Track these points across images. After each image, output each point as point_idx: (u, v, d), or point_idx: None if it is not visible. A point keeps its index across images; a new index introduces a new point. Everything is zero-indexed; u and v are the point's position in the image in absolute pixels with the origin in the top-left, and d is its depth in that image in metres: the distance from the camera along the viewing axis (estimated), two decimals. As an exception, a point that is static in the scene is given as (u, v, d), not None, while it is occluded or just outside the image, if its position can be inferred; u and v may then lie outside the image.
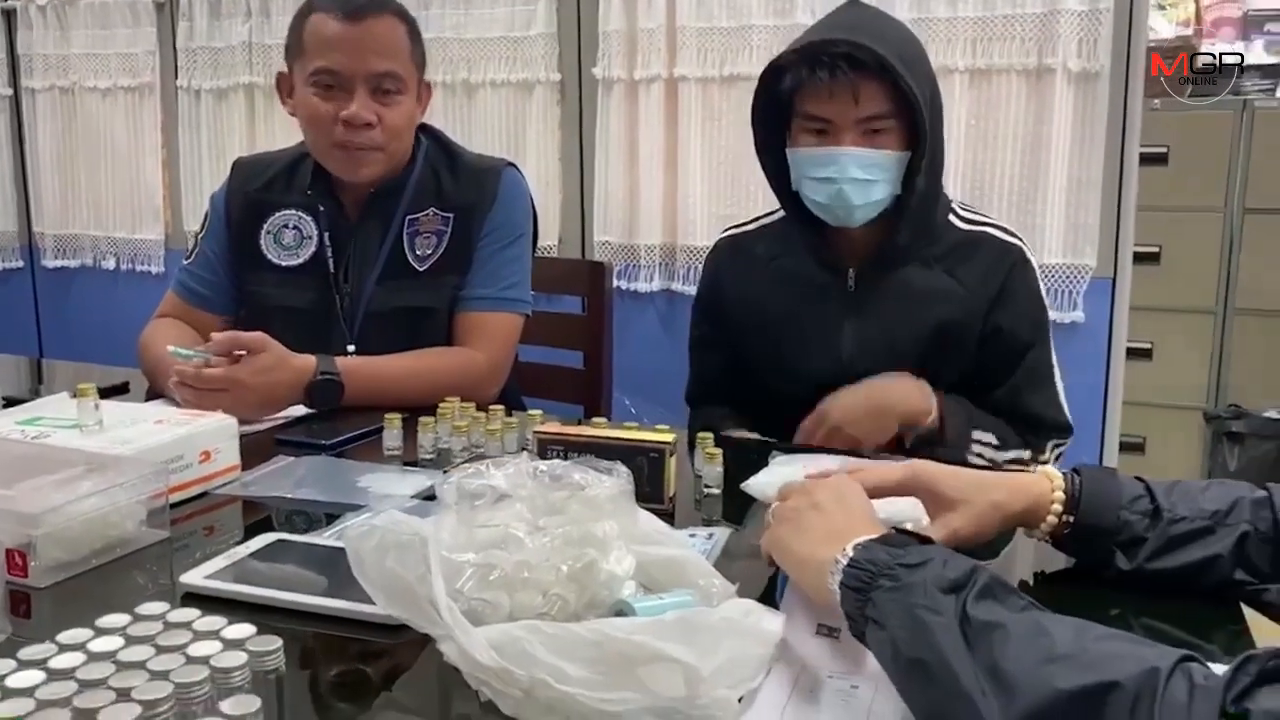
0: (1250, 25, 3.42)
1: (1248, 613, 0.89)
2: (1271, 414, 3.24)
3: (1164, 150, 3.15)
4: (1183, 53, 3.21)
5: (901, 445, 1.45)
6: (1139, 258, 2.20)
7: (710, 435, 1.23)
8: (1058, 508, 0.93)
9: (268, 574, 0.93)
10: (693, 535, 1.03)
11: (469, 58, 2.45)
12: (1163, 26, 3.27)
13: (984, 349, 1.51)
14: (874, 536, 0.76)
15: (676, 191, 2.31)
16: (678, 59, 2.25)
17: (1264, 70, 3.35)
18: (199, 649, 0.69)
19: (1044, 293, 1.56)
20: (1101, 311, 2.07)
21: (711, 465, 1.19)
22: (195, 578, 0.91)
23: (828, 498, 0.86)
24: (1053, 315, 2.03)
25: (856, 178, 1.41)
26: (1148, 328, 3.09)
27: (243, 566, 0.94)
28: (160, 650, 0.70)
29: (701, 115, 2.25)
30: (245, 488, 1.21)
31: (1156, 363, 3.29)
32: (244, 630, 0.72)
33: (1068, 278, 2.06)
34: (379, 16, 1.60)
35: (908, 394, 1.44)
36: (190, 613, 0.76)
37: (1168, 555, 0.89)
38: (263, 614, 0.83)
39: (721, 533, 1.06)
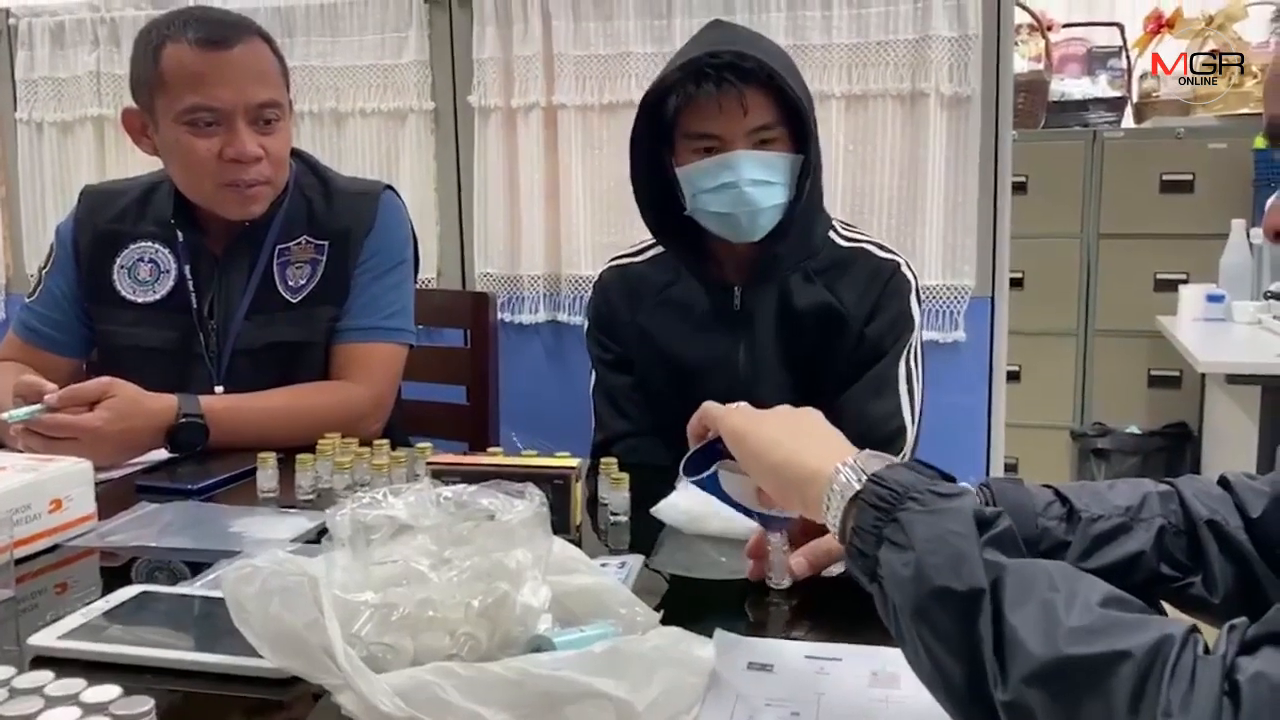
0: (1095, 61, 3.61)
1: (1168, 609, 0.89)
2: (1133, 430, 3.38)
3: (1023, 179, 3.28)
4: (1036, 86, 3.36)
5: None
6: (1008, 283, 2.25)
7: (614, 460, 1.17)
8: None
9: (133, 631, 0.83)
10: (604, 565, 0.97)
11: (337, 86, 2.35)
12: (1017, 62, 3.41)
13: (851, 358, 1.50)
14: (897, 460, 0.72)
15: (559, 220, 2.26)
16: (556, 86, 2.21)
17: (1108, 103, 3.53)
18: (54, 717, 0.59)
19: (917, 307, 1.53)
20: (982, 331, 2.10)
21: (617, 491, 1.13)
22: (47, 639, 0.80)
23: (810, 415, 0.83)
24: (935, 335, 2.08)
25: (756, 178, 1.40)
26: (1015, 351, 3.18)
27: (103, 623, 0.83)
28: (6, 722, 0.60)
29: (582, 143, 2.22)
30: (102, 538, 1.09)
31: (1025, 384, 3.40)
32: (108, 692, 0.62)
33: (948, 298, 2.09)
34: (247, 42, 1.48)
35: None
36: (42, 676, 0.66)
37: (1094, 556, 0.87)
38: (129, 676, 0.73)
39: (634, 560, 1.00)
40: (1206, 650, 0.54)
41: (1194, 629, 0.56)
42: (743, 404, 0.92)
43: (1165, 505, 0.89)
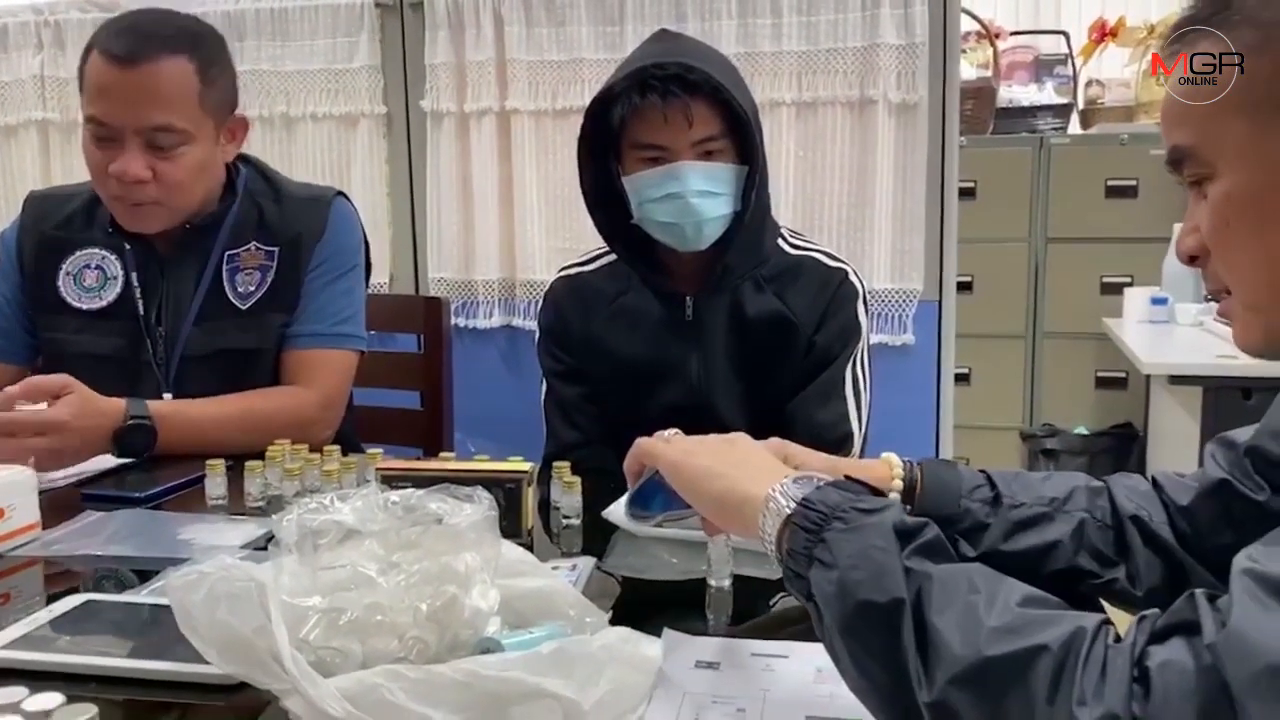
0: (1041, 68, 3.67)
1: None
2: (1081, 430, 3.44)
3: (972, 184, 3.33)
4: (983, 93, 3.41)
5: None
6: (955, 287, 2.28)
7: (567, 464, 1.18)
8: (898, 484, 0.95)
9: (78, 640, 0.82)
10: (555, 568, 0.97)
11: (287, 90, 2.34)
12: (965, 69, 3.46)
13: (800, 365, 1.52)
14: (828, 480, 0.73)
15: (513, 225, 2.26)
16: (509, 91, 2.22)
17: (1055, 110, 3.60)
18: (-6, 727, 0.59)
19: (864, 314, 1.55)
20: (930, 334, 2.14)
21: (569, 495, 1.14)
22: (-11, 649, 0.79)
23: (740, 442, 0.86)
24: (885, 338, 2.11)
25: (701, 189, 1.40)
26: (965, 353, 3.23)
27: (47, 632, 0.83)
28: (-55, 732, 0.59)
29: (536, 148, 2.23)
30: (47, 547, 1.07)
31: (974, 386, 3.45)
32: (50, 700, 0.61)
33: (897, 302, 2.12)
34: (156, 61, 1.44)
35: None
36: (-18, 686, 0.65)
37: (1010, 540, 0.91)
38: (74, 685, 0.72)
39: (585, 563, 1.00)
40: (1118, 640, 0.57)
41: (1106, 620, 0.58)
42: (674, 434, 0.93)
43: (1092, 500, 0.93)
